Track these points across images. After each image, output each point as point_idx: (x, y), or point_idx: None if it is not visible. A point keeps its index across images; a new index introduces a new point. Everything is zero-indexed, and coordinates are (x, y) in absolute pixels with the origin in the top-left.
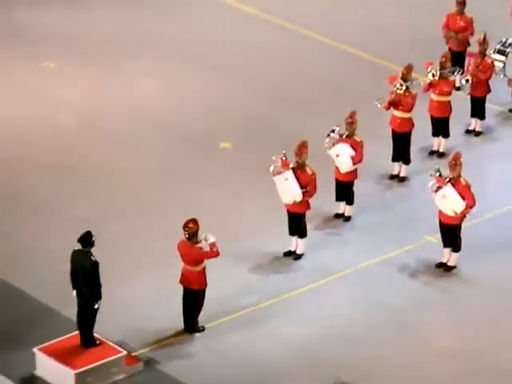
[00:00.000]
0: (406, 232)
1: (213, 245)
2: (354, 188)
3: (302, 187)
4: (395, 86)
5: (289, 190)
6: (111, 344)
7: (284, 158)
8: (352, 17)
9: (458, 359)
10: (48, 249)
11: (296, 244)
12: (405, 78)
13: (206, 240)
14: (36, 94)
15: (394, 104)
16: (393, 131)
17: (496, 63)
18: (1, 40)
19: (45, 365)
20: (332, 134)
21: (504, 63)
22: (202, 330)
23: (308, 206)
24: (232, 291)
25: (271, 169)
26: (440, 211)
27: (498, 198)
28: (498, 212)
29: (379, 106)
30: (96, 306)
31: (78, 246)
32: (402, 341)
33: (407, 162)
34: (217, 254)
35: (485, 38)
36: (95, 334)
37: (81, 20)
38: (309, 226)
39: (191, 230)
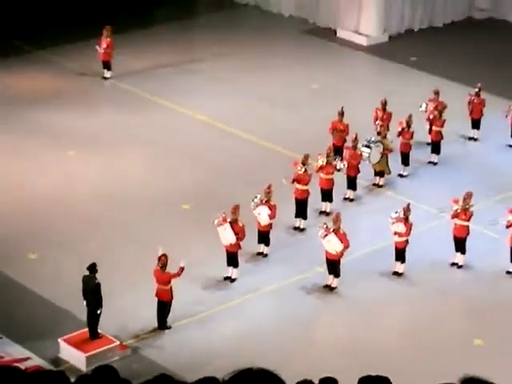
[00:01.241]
0: (304, 264)
1: (182, 269)
2: (270, 235)
3: (235, 234)
4: (297, 168)
5: (227, 236)
6: (109, 336)
7: (224, 215)
8: (266, 122)
9: (337, 350)
10: (69, 272)
11: (232, 271)
12: (304, 163)
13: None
14: (59, 173)
15: (296, 180)
16: (296, 198)
17: (363, 154)
18: (28, 135)
19: (66, 350)
20: (255, 200)
21: (369, 154)
22: (170, 328)
23: (239, 247)
24: (189, 302)
25: (215, 222)
26: (326, 251)
27: (366, 242)
28: (365, 251)
29: (285, 182)
30: (99, 312)
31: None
32: (299, 337)
33: (305, 218)
34: (179, 275)
35: (356, 137)
36: (99, 330)
37: (90, 121)
38: (240, 260)
39: (163, 262)
